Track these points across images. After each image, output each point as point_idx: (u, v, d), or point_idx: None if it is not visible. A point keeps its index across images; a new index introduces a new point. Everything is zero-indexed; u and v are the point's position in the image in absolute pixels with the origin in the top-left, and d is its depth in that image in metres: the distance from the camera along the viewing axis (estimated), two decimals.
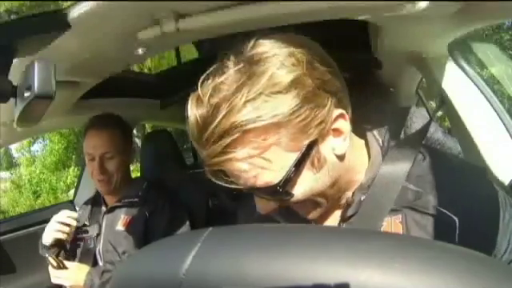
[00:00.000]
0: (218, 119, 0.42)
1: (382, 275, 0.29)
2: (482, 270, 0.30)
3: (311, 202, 0.50)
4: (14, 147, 9.15)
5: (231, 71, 0.43)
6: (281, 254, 0.32)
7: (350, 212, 0.52)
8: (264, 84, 0.42)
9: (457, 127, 1.05)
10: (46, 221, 1.57)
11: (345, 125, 0.48)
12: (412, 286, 0.28)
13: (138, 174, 1.64)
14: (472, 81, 0.99)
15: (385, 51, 1.12)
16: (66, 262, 1.11)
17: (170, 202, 1.22)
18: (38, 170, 8.47)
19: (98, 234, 1.20)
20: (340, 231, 0.45)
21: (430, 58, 1.01)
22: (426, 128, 0.58)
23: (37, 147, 9.27)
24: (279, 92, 0.42)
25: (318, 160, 0.47)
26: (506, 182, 0.92)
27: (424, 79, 1.50)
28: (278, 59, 0.43)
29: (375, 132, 0.55)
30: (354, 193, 0.52)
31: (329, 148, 0.48)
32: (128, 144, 1.20)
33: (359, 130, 0.55)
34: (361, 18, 0.77)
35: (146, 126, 5.64)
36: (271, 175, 0.45)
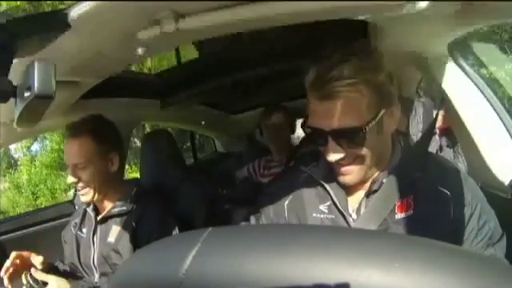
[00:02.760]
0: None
1: (383, 275, 0.29)
2: (482, 269, 0.30)
3: (360, 160, 0.67)
4: (13, 147, 9.13)
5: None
6: (280, 253, 0.32)
7: (374, 187, 0.69)
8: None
9: (457, 127, 1.05)
10: (46, 221, 1.57)
11: (397, 112, 0.69)
12: (412, 286, 0.28)
13: (137, 175, 1.63)
14: (472, 81, 0.99)
15: (385, 51, 1.12)
16: (44, 276, 1.02)
17: (159, 208, 1.17)
18: (38, 171, 8.47)
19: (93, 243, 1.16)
20: (340, 231, 0.45)
21: (430, 58, 1.01)
22: (431, 128, 0.86)
23: (36, 147, 9.26)
24: (380, 69, 0.65)
25: (381, 126, 0.66)
26: (506, 182, 0.92)
27: (424, 79, 1.51)
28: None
29: (400, 138, 0.75)
30: (378, 174, 0.70)
31: (387, 123, 0.67)
32: (103, 151, 1.11)
33: None
34: (361, 17, 0.77)
35: (146, 125, 5.64)
36: (357, 120, 0.63)
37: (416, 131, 2.13)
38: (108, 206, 1.16)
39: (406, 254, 0.31)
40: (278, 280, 0.30)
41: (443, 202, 0.65)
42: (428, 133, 0.86)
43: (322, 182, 0.73)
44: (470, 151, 1.02)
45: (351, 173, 0.68)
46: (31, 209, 7.50)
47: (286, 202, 0.77)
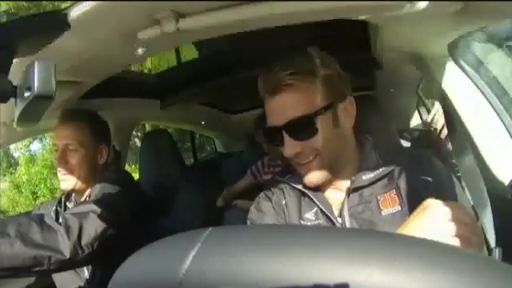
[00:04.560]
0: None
1: (383, 274, 0.29)
2: (482, 269, 0.30)
3: (318, 155, 0.67)
4: (13, 147, 9.13)
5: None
6: (280, 253, 0.32)
7: (353, 186, 0.68)
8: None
9: (457, 127, 1.05)
10: None
11: (352, 109, 0.70)
12: (413, 286, 0.28)
13: (137, 175, 1.63)
14: (472, 81, 0.99)
15: (385, 51, 1.12)
16: None
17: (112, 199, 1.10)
18: (38, 170, 8.47)
19: None
20: (339, 231, 0.45)
21: (430, 58, 1.01)
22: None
23: (36, 147, 9.27)
24: (327, 65, 0.68)
25: (336, 120, 0.67)
26: (506, 182, 0.92)
27: (424, 79, 1.51)
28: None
29: (368, 137, 0.76)
30: (354, 173, 0.70)
31: (342, 118, 0.68)
32: (96, 140, 1.13)
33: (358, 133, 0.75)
34: (361, 17, 0.77)
35: (146, 125, 5.64)
36: (308, 109, 0.64)
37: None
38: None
39: (406, 254, 0.31)
40: (277, 279, 0.30)
41: (427, 189, 0.65)
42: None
43: (304, 190, 0.72)
44: (470, 151, 1.02)
45: (312, 170, 0.68)
46: (31, 208, 7.49)
47: (272, 213, 0.75)
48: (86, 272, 1.14)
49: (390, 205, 0.66)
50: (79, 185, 1.10)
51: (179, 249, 0.35)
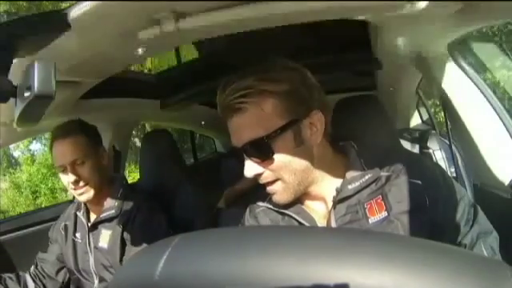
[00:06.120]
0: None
1: (377, 276, 0.29)
2: (479, 269, 0.30)
3: (280, 174, 0.65)
4: (13, 146, 9.13)
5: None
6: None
7: (338, 197, 0.65)
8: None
9: (457, 127, 1.05)
10: (46, 221, 1.57)
11: (319, 123, 0.65)
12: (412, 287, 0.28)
13: (137, 175, 1.63)
14: (472, 81, 0.99)
15: (385, 51, 1.12)
16: None
17: (144, 210, 1.17)
18: (38, 170, 8.47)
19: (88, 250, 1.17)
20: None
21: (430, 58, 1.01)
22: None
23: (36, 147, 9.27)
24: (283, 80, 0.64)
25: (299, 137, 0.64)
26: (506, 182, 0.92)
27: (424, 79, 1.51)
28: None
29: (352, 143, 0.73)
30: (342, 184, 0.67)
31: (307, 132, 0.65)
32: (95, 146, 1.16)
33: (341, 141, 0.73)
34: (361, 17, 0.78)
35: (146, 125, 5.64)
36: (261, 131, 0.62)
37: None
38: (99, 208, 1.17)
39: (403, 255, 0.31)
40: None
41: (417, 193, 0.63)
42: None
43: (283, 211, 0.70)
44: (470, 151, 1.02)
45: (276, 191, 0.67)
46: (31, 208, 7.51)
47: None
48: (95, 281, 1.15)
49: (376, 212, 0.64)
50: (96, 193, 1.13)
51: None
